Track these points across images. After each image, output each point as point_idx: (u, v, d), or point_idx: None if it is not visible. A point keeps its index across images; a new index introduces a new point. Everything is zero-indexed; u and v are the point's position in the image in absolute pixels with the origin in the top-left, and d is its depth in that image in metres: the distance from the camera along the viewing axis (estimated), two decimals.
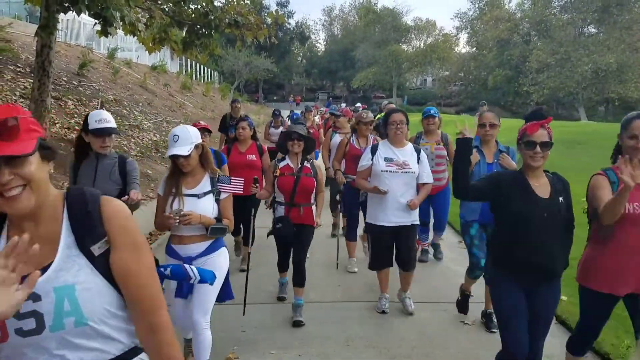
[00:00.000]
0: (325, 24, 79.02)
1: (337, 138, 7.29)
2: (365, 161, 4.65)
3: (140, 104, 14.58)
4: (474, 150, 4.13)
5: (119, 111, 12.16)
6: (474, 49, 61.45)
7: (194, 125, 4.39)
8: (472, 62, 59.37)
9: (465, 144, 3.05)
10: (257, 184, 4.46)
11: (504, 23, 55.64)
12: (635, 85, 44.09)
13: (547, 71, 47.78)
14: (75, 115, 10.17)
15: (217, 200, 3.37)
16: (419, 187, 4.60)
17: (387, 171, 4.47)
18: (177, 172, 3.32)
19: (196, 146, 3.25)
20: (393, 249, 4.69)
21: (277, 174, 4.55)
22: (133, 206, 3.62)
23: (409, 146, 4.64)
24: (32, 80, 7.55)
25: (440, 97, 61.08)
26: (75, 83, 12.18)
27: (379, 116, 10.79)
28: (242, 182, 3.56)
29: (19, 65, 11.00)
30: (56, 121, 9.24)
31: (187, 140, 3.21)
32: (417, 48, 64.36)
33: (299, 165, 4.56)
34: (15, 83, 10.04)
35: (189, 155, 3.21)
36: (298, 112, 19.60)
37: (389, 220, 4.51)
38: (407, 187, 4.50)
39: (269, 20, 9.12)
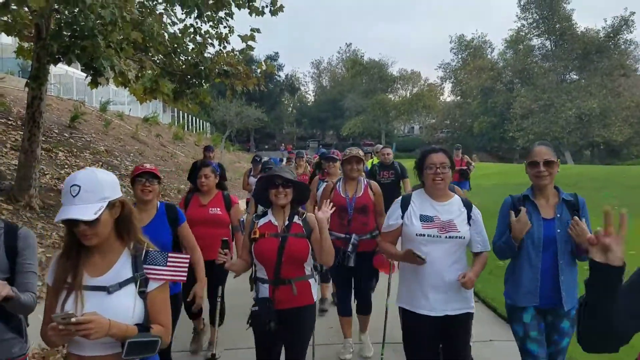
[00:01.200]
0: (314, 76, 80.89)
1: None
2: (392, 219, 3.35)
3: (132, 154, 14.65)
4: (522, 206, 3.24)
5: (110, 161, 12.20)
6: (459, 97, 62.94)
7: (138, 168, 3.56)
8: (457, 110, 60.64)
9: (613, 272, 1.49)
10: (227, 249, 3.26)
11: (486, 72, 57.24)
12: (619, 128, 45.12)
13: (531, 117, 48.86)
14: (66, 166, 10.20)
15: (143, 295, 2.08)
16: (473, 257, 3.35)
17: (424, 235, 3.17)
18: (75, 247, 2.08)
19: (110, 204, 2.02)
20: (438, 349, 3.33)
21: (255, 235, 3.24)
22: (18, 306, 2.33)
23: (456, 199, 3.31)
24: (22, 133, 7.58)
25: (427, 143, 61.92)
26: (66, 135, 12.27)
27: (370, 162, 10.55)
28: (186, 262, 2.25)
29: (10, 118, 11.09)
30: (46, 172, 9.24)
31: (94, 194, 1.98)
32: (403, 97, 65.83)
33: (286, 222, 3.28)
34: (6, 135, 10.09)
35: (97, 221, 1.97)
36: (278, 157, 17.64)
37: (431, 308, 3.16)
38: (453, 257, 3.19)
39: (258, 71, 9.31)
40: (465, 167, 12.31)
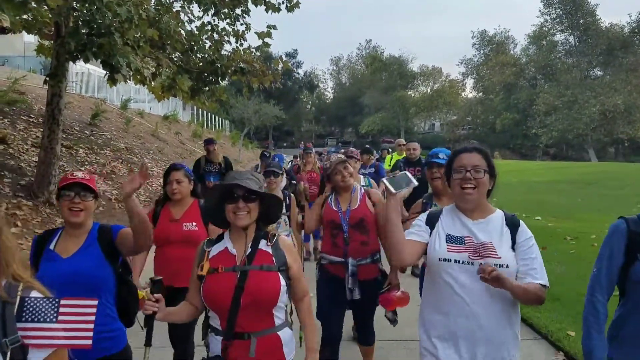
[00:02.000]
0: (333, 72, 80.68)
1: None
2: (414, 233, 2.46)
3: (151, 152, 14.80)
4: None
5: (130, 159, 12.33)
6: (481, 93, 62.29)
7: (65, 178, 2.55)
8: (479, 107, 60.03)
9: None
10: (159, 293, 2.31)
11: (509, 68, 56.51)
12: None
13: (554, 114, 48.12)
14: (86, 163, 10.33)
15: None
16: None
17: (449, 260, 2.32)
18: None
19: None
20: None
21: (202, 272, 2.29)
22: None
23: (497, 215, 2.40)
24: (42, 130, 7.70)
25: (448, 141, 61.45)
26: (87, 132, 12.43)
27: (389, 157, 9.97)
28: (93, 311, 1.53)
29: (32, 115, 11.28)
30: (67, 169, 9.37)
31: None
32: (423, 94, 65.33)
33: (248, 251, 2.32)
34: (27, 133, 10.27)
35: None
36: (284, 155, 15.66)
37: (460, 356, 2.31)
38: (491, 293, 2.26)
39: (274, 67, 9.30)
40: None
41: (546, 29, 54.71)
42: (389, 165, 9.34)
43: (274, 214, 2.45)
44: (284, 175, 6.02)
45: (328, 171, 3.86)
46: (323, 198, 3.95)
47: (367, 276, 3.68)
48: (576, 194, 16.24)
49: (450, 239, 2.37)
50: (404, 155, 8.48)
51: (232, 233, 2.35)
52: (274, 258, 2.30)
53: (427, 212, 2.59)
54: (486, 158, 2.37)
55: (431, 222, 2.48)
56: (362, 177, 5.10)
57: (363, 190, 3.89)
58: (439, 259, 2.34)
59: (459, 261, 2.29)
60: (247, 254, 2.27)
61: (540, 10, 55.42)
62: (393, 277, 3.63)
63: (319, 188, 5.96)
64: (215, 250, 2.34)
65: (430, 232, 2.45)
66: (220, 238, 2.39)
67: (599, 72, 53.47)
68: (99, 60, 5.83)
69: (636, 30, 49.22)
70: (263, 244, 2.33)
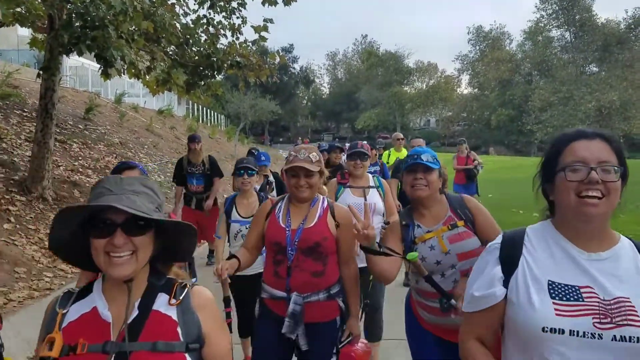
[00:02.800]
0: (329, 68, 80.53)
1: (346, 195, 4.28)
2: (482, 287, 1.55)
3: (146, 147, 14.69)
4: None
5: (124, 153, 12.22)
6: (476, 89, 62.30)
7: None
8: (474, 103, 60.03)
9: None
10: None
11: (505, 64, 56.51)
12: None
13: (550, 110, 48.17)
14: (80, 158, 10.23)
15: None
16: None
17: (562, 331, 1.36)
18: None
19: None
20: None
21: (52, 352, 1.28)
22: None
23: (624, 244, 1.55)
24: (36, 124, 7.60)
25: (444, 136, 61.47)
26: (80, 127, 12.31)
27: (387, 153, 8.52)
28: None
29: (25, 110, 11.15)
30: (60, 164, 9.27)
31: None
32: (419, 89, 65.31)
33: (134, 314, 1.37)
34: (20, 127, 10.15)
35: None
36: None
37: None
38: None
39: (270, 61, 9.22)
40: (472, 166, 9.98)
41: (542, 24, 54.71)
42: (387, 162, 8.36)
43: (185, 249, 1.50)
44: (267, 179, 6.04)
45: (287, 166, 2.74)
46: (267, 208, 2.86)
47: (318, 318, 2.69)
48: None
49: (556, 291, 1.40)
50: (405, 153, 7.79)
51: (105, 283, 1.40)
52: (179, 328, 1.36)
53: (501, 235, 1.62)
54: (617, 150, 1.47)
55: (510, 254, 1.52)
56: (370, 175, 4.32)
57: (326, 203, 2.81)
58: (543, 329, 1.36)
59: (578, 333, 1.35)
60: (129, 321, 1.34)
61: (536, 6, 55.46)
62: (354, 325, 2.79)
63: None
64: (75, 312, 1.37)
65: (509, 274, 1.49)
66: (86, 290, 1.42)
67: (594, 68, 53.54)
68: (93, 53, 5.73)
69: (632, 26, 49.30)
70: (161, 303, 1.39)
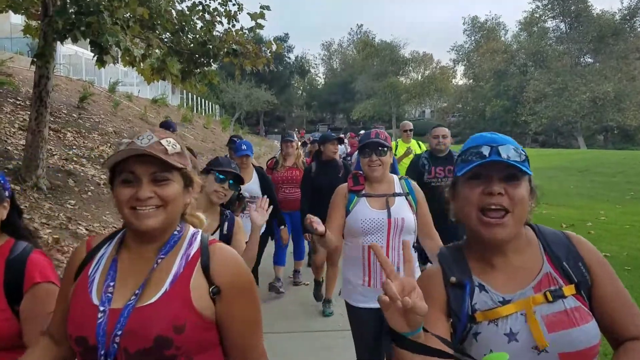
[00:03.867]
0: (324, 58, 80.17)
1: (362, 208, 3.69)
2: None
3: None
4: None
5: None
6: (471, 80, 62.25)
7: None
8: (469, 94, 60.02)
9: None
10: None
11: (500, 55, 56.47)
12: (634, 113, 44.44)
13: (544, 101, 48.25)
14: (74, 147, 10.14)
15: None
16: None
17: None
18: None
19: None
20: None
21: None
22: None
23: None
24: (30, 112, 7.51)
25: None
26: (75, 116, 12.20)
27: (395, 144, 7.08)
28: None
29: (19, 98, 11.03)
30: (54, 152, 9.18)
31: None
32: (414, 80, 65.18)
33: None
34: (14, 115, 10.04)
35: None
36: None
37: None
38: None
39: (267, 51, 9.12)
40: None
41: (537, 15, 54.60)
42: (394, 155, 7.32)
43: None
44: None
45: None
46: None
47: None
48: (568, 181, 16.32)
49: None
50: (424, 147, 6.85)
51: None
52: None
53: None
54: None
55: None
56: (396, 177, 3.12)
57: (197, 246, 1.48)
58: None
59: None
60: None
61: None
62: None
63: (302, 190, 5.71)
64: None
65: None
66: None
67: (589, 60, 53.60)
68: (88, 40, 5.65)
69: (627, 17, 49.28)
70: None
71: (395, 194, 2.98)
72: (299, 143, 6.94)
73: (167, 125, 5.64)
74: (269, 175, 5.61)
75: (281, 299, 6.04)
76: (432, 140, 5.13)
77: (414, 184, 3.08)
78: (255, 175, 5.21)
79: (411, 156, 6.26)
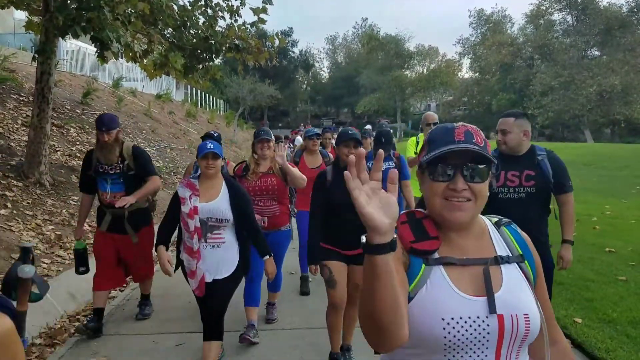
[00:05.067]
0: (329, 52, 79.89)
1: None
2: None
3: (144, 132, 14.58)
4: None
5: (122, 138, 12.12)
6: (477, 73, 61.86)
7: None
8: (475, 87, 59.68)
9: None
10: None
11: (506, 47, 56.03)
12: None
13: (551, 94, 47.89)
14: (77, 143, 10.13)
15: None
16: None
17: None
18: None
19: None
20: None
21: None
22: None
23: None
24: (33, 108, 7.49)
25: (444, 121, 61.07)
26: (78, 111, 12.19)
27: (414, 140, 6.40)
28: None
29: (22, 94, 11.02)
30: (57, 148, 9.18)
31: None
32: (419, 74, 64.84)
33: None
34: (17, 111, 10.03)
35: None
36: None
37: None
38: None
39: (270, 45, 9.06)
40: None
41: (544, 7, 54.09)
42: (415, 153, 5.96)
43: None
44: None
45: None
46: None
47: None
48: (574, 175, 16.16)
49: None
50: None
51: None
52: None
53: None
54: None
55: None
56: (487, 220, 1.78)
57: None
58: None
59: None
60: None
61: None
62: None
63: (311, 207, 3.78)
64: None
65: None
66: None
67: (596, 52, 53.10)
68: (89, 36, 5.61)
69: (635, 9, 48.76)
70: None
71: (499, 259, 1.41)
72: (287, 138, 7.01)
73: (102, 122, 4.46)
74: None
75: (258, 348, 4.25)
76: (502, 137, 3.57)
77: (524, 235, 1.53)
78: (224, 189, 3.70)
79: None
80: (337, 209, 3.53)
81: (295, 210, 5.13)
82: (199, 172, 3.78)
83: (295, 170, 4.48)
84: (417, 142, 6.17)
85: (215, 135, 5.10)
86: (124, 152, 4.55)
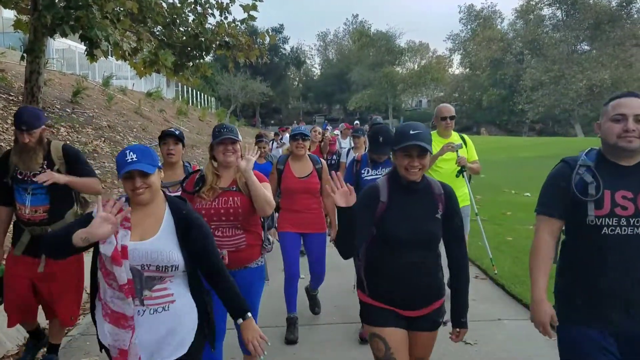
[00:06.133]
0: (320, 48, 79.86)
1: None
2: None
3: (135, 130, 14.52)
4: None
5: (113, 137, 12.08)
6: (468, 69, 62.17)
7: None
8: (466, 83, 59.98)
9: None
10: None
11: (496, 43, 56.34)
12: None
13: (541, 89, 48.21)
14: (68, 142, 10.08)
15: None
16: None
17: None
18: None
19: None
20: None
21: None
22: None
23: None
24: None
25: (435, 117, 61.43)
26: (68, 110, 12.13)
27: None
28: None
29: (11, 93, 10.95)
30: None
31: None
32: (411, 70, 65.03)
33: None
34: (7, 111, 9.97)
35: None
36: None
37: None
38: None
39: (260, 41, 9.05)
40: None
41: (533, 3, 54.44)
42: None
43: None
44: None
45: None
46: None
47: None
48: None
49: None
50: (457, 138, 4.99)
51: None
52: None
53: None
54: None
55: None
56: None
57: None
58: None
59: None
60: None
61: None
62: None
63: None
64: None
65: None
66: None
67: (586, 47, 53.50)
68: (77, 34, 5.59)
69: (624, 4, 49.13)
70: None
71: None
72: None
73: (20, 117, 3.38)
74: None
75: None
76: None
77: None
78: (167, 218, 2.31)
79: (454, 155, 4.82)
80: (396, 245, 2.40)
81: (271, 240, 3.47)
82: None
83: (258, 186, 3.00)
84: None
85: (177, 133, 4.03)
86: (53, 154, 3.48)
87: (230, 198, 3.09)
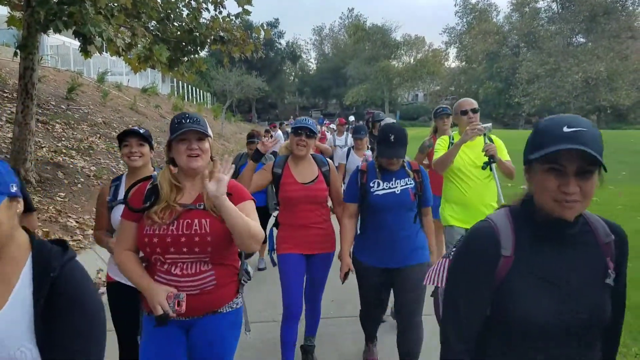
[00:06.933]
0: (315, 43, 79.61)
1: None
2: None
3: (130, 126, 14.46)
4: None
5: (108, 133, 12.03)
6: (464, 62, 62.08)
7: None
8: (462, 76, 59.92)
9: None
10: None
11: (492, 36, 56.26)
12: (627, 92, 44.51)
13: (537, 82, 48.21)
14: (63, 139, 10.04)
15: None
16: None
17: None
18: None
19: None
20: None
21: None
22: None
23: None
24: (17, 105, 7.40)
25: (432, 111, 61.41)
26: (63, 107, 12.08)
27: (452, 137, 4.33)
28: None
29: (5, 90, 10.90)
30: (43, 145, 9.09)
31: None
32: (407, 64, 64.89)
33: None
34: (1, 108, 9.93)
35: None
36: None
37: None
38: None
39: (256, 36, 9.01)
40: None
41: None
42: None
43: None
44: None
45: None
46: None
47: None
48: None
49: None
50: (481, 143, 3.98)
51: None
52: None
53: None
54: None
55: None
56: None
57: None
58: None
59: None
60: None
61: None
62: None
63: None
64: None
65: None
66: None
67: (581, 39, 53.51)
68: (71, 30, 5.56)
69: None
70: None
71: None
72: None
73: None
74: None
75: None
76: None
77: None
78: (25, 277, 1.36)
79: (480, 142, 4.01)
80: (529, 336, 1.38)
81: (273, 258, 3.36)
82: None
83: (237, 215, 2.07)
84: (451, 142, 4.19)
85: (143, 132, 3.08)
86: None
87: (196, 220, 2.15)
